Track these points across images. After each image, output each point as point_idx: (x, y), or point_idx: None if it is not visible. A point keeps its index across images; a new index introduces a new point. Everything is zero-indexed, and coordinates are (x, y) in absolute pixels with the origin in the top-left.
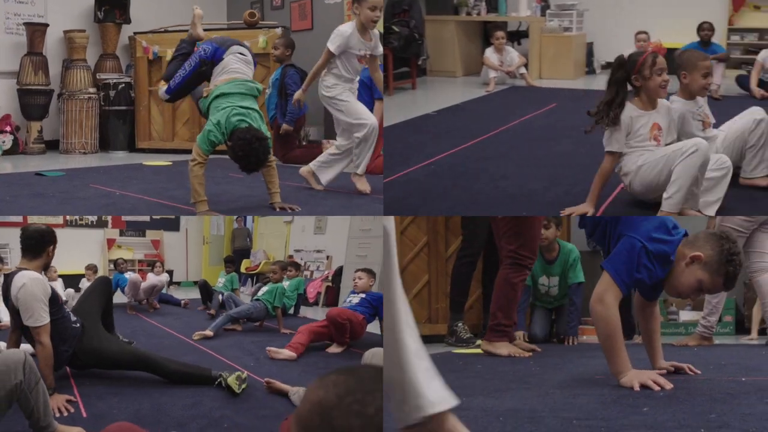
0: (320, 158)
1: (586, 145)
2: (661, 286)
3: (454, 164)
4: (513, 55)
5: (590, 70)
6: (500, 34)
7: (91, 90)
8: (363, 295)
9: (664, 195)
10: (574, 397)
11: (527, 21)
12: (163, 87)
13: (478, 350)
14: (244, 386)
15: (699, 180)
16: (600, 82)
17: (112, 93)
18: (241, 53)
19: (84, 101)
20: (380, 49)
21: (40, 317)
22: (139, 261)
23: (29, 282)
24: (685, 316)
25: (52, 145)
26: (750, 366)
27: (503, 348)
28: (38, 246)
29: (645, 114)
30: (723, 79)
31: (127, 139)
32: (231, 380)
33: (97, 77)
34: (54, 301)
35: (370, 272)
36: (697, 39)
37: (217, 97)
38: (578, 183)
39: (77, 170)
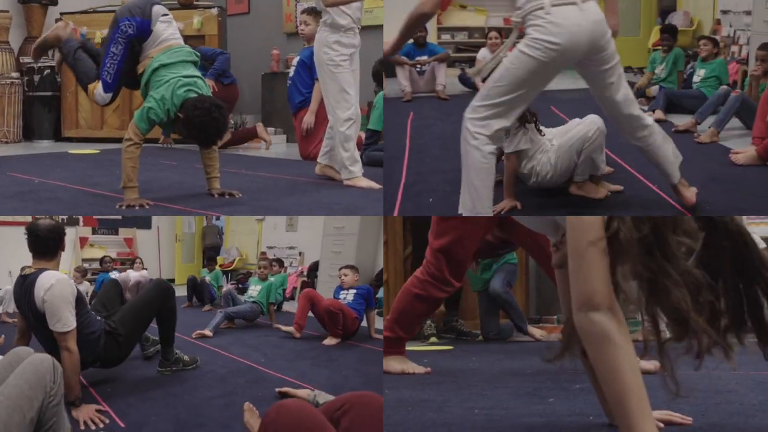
0: (324, 148)
1: None
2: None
3: None
4: None
5: None
6: None
7: (14, 75)
8: (354, 291)
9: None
10: (491, 389)
11: None
12: (97, 88)
13: (431, 347)
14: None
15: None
16: None
17: (36, 78)
18: (164, 14)
19: (6, 87)
20: None
21: (68, 321)
22: (113, 260)
23: (57, 283)
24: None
25: None
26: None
27: (396, 363)
28: (55, 244)
29: None
30: (446, 79)
31: (53, 128)
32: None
33: (21, 61)
34: (80, 302)
35: (354, 268)
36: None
37: (156, 69)
38: None
39: None
